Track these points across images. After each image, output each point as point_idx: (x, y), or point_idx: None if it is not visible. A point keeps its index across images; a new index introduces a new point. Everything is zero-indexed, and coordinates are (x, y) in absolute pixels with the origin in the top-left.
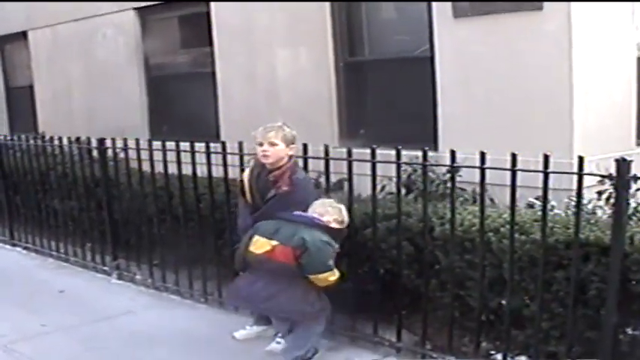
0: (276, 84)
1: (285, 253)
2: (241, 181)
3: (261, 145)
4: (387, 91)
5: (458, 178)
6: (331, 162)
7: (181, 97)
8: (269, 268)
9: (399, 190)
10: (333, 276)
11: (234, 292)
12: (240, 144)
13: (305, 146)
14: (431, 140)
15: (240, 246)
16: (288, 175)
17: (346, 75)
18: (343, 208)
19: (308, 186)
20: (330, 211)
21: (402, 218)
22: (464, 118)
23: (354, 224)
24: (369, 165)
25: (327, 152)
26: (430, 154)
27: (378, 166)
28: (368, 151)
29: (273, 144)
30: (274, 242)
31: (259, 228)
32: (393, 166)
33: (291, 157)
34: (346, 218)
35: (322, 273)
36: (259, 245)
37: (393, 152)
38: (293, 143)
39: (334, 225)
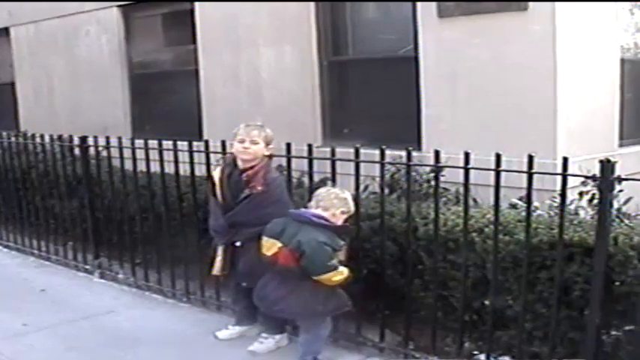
0: (259, 82)
1: (286, 255)
2: (211, 180)
3: (242, 142)
4: (371, 91)
5: (442, 178)
6: (315, 161)
7: (164, 95)
8: (278, 270)
9: (382, 190)
10: (339, 275)
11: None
12: (223, 143)
13: (288, 145)
14: (415, 140)
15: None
16: (262, 174)
17: (330, 74)
18: (349, 196)
19: (282, 184)
20: (335, 204)
21: (385, 218)
22: (448, 118)
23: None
24: (352, 164)
25: (310, 151)
26: (414, 154)
27: (362, 165)
28: (352, 150)
29: (254, 142)
30: (279, 244)
31: (266, 229)
32: (377, 166)
33: (264, 157)
34: (352, 208)
35: (324, 274)
36: (268, 247)
37: (377, 152)
38: (270, 144)
39: (339, 218)
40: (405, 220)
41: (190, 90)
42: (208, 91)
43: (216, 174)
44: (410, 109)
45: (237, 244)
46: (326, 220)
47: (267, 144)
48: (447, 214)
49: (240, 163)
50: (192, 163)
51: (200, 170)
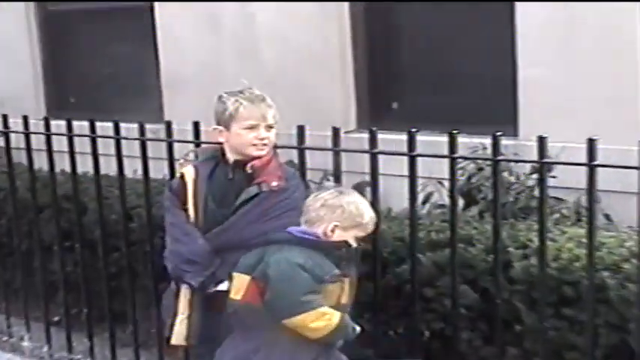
0: (253, 29)
1: (252, 290)
2: (182, 181)
3: (254, 128)
4: (430, 41)
5: (552, 181)
6: (343, 154)
7: (99, 49)
8: (241, 320)
9: (453, 201)
10: (321, 321)
11: None
12: (197, 126)
13: (301, 130)
14: (507, 120)
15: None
16: (275, 164)
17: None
18: (360, 203)
19: (302, 186)
20: (323, 215)
21: (458, 247)
22: (561, 83)
23: (381, 256)
24: (404, 160)
25: (336, 139)
26: (506, 141)
27: (421, 161)
28: (402, 137)
29: (270, 126)
30: (249, 278)
31: (239, 261)
32: (445, 163)
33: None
34: (364, 221)
35: (294, 316)
36: (237, 288)
37: (445, 139)
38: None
39: (339, 238)
40: (491, 250)
41: (141, 41)
42: (168, 40)
43: (188, 174)
44: (498, 68)
45: (223, 286)
46: (318, 235)
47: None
48: (561, 241)
49: (234, 157)
50: (145, 158)
51: (158, 170)
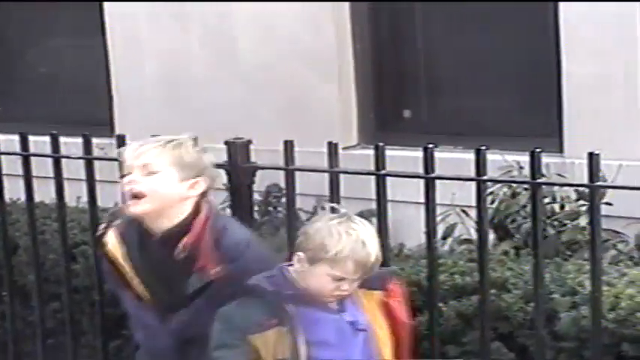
0: (229, 22)
1: None
2: (107, 258)
3: (126, 174)
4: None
5: (605, 209)
6: (342, 176)
7: (36, 41)
8: None
9: (481, 235)
10: None
11: None
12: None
13: (289, 146)
14: (551, 130)
15: None
16: (208, 239)
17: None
18: (339, 231)
19: (251, 244)
20: (301, 243)
21: (489, 294)
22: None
23: None
24: (418, 184)
25: (332, 157)
26: (547, 159)
27: (440, 185)
28: (416, 153)
29: (150, 170)
30: None
31: None
32: (470, 187)
33: (199, 202)
34: (332, 253)
35: None
36: None
37: (464, 156)
38: (200, 175)
39: (301, 267)
40: (530, 298)
41: (88, 33)
42: (120, 31)
43: (112, 246)
44: (537, 68)
45: None
46: (273, 276)
47: (190, 173)
48: (619, 286)
49: (141, 217)
50: (91, 180)
51: (108, 196)
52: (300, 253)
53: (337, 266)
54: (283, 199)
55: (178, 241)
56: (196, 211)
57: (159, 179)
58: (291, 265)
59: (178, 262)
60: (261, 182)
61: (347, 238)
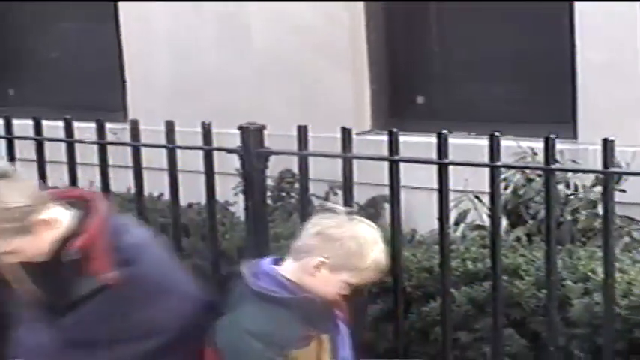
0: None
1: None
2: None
3: None
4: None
5: (620, 196)
6: (355, 162)
7: (47, 31)
8: None
9: (494, 221)
10: None
11: None
12: (172, 126)
13: (302, 131)
14: (563, 117)
15: None
16: (103, 240)
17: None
18: (368, 239)
19: (156, 253)
20: (317, 248)
21: (501, 280)
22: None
23: (404, 291)
24: (431, 169)
25: (346, 142)
26: (561, 146)
27: (452, 171)
28: (430, 139)
29: None
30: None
31: None
32: (483, 173)
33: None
34: (368, 264)
35: None
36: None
37: (478, 142)
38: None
39: (325, 281)
40: (543, 284)
41: (101, 19)
42: (133, 20)
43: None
44: (552, 54)
45: None
46: (284, 284)
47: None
48: (632, 272)
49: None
50: (104, 165)
51: (119, 182)
52: (322, 259)
53: (360, 275)
54: (296, 185)
55: (69, 243)
56: (90, 211)
57: None
58: (276, 264)
59: (68, 264)
60: (274, 168)
61: (376, 248)
